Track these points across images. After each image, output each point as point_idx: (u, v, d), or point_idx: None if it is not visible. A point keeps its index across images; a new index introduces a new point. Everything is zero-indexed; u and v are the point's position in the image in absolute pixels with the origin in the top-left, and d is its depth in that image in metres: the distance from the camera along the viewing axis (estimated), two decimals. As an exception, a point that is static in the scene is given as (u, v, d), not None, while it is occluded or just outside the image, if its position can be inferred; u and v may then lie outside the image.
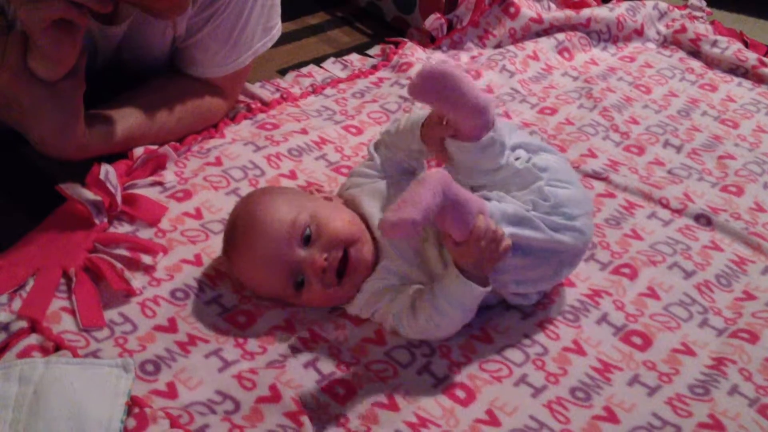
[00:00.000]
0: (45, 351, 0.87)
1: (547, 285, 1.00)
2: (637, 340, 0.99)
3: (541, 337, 0.98)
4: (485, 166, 0.96)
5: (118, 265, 0.98)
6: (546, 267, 0.96)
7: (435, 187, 0.80)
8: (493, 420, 0.88)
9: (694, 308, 1.04)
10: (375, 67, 1.49)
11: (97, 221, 1.03)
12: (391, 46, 1.55)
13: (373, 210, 0.99)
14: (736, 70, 1.60)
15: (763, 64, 1.58)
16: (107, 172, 1.05)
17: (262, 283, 0.96)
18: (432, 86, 0.89)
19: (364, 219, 0.99)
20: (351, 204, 1.01)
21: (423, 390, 0.91)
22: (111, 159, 1.11)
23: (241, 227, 0.95)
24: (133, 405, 0.83)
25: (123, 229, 1.06)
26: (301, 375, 0.89)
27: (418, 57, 1.49)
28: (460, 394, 0.91)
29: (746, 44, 1.65)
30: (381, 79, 1.45)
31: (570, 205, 0.95)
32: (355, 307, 0.97)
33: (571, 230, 0.95)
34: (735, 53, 1.60)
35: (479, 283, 0.89)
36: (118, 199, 1.06)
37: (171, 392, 0.87)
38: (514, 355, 0.95)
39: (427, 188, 0.80)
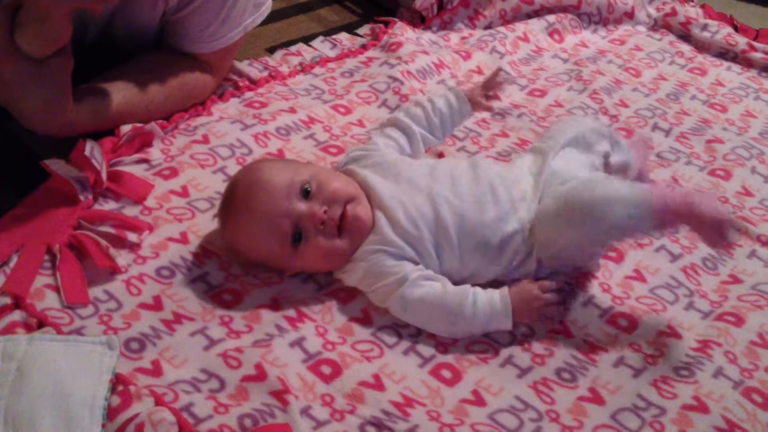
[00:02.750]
0: (28, 328, 0.86)
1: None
2: (623, 322, 0.99)
3: (527, 318, 0.98)
4: None
5: (103, 243, 0.97)
6: None
7: None
8: (478, 400, 0.88)
9: (681, 291, 1.04)
10: (364, 47, 1.48)
11: (81, 198, 1.02)
12: (381, 25, 1.54)
13: (375, 178, 1.00)
14: (726, 54, 1.60)
15: (752, 48, 1.58)
16: (92, 148, 1.04)
17: (259, 240, 0.95)
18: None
19: (364, 187, 0.99)
20: (349, 175, 1.02)
21: (409, 370, 0.91)
22: (97, 136, 1.10)
23: (241, 186, 0.96)
24: (118, 383, 0.82)
25: (108, 206, 1.05)
26: (288, 354, 0.89)
27: (407, 37, 1.48)
28: (446, 374, 0.91)
29: (736, 28, 1.65)
30: (370, 59, 1.44)
31: None
32: (353, 276, 0.97)
33: None
34: (725, 37, 1.60)
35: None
36: (104, 175, 1.05)
37: (156, 370, 0.86)
38: (500, 336, 0.95)
39: None
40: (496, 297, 0.94)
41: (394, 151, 1.07)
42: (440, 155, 1.20)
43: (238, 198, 0.95)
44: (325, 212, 0.93)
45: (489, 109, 1.16)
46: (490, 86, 1.15)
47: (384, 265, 0.94)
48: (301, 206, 0.94)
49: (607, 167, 1.09)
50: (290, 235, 0.93)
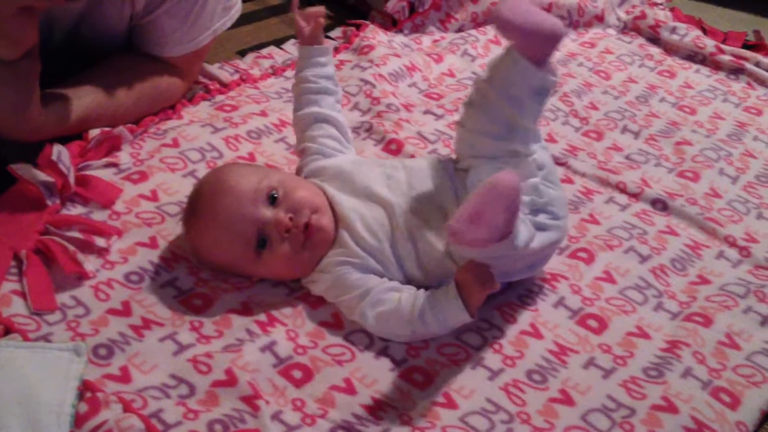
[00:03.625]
0: (-6, 334, 0.85)
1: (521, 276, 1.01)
2: (593, 324, 0.99)
3: (498, 320, 0.98)
4: (515, 113, 0.94)
5: (71, 248, 0.96)
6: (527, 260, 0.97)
7: (511, 204, 0.80)
8: (449, 403, 0.88)
9: (649, 292, 1.05)
10: (336, 50, 1.48)
11: (49, 203, 1.01)
12: (353, 28, 1.54)
13: (333, 191, 0.99)
14: (695, 56, 1.61)
15: (720, 51, 1.60)
16: (60, 152, 1.03)
17: (223, 245, 0.94)
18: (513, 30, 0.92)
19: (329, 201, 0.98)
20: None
21: (381, 373, 0.90)
22: (64, 140, 1.09)
23: (206, 190, 0.95)
24: (85, 389, 0.81)
25: (76, 210, 1.04)
26: (258, 359, 0.88)
27: (379, 40, 1.48)
28: (418, 377, 0.91)
29: (704, 31, 1.67)
30: (342, 62, 1.44)
31: (557, 205, 0.97)
32: (320, 287, 0.96)
33: (556, 229, 0.96)
34: (693, 40, 1.61)
35: (469, 312, 0.90)
36: (71, 180, 1.04)
37: (124, 376, 0.85)
38: (471, 338, 0.95)
39: (502, 205, 0.80)
40: (442, 295, 0.90)
41: (336, 145, 1.05)
42: (412, 157, 1.20)
43: (203, 201, 0.95)
44: (290, 219, 0.93)
45: (319, 26, 1.08)
46: (307, 18, 1.08)
47: (348, 279, 0.94)
48: (267, 213, 0.93)
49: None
50: (254, 241, 0.93)
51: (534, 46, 0.92)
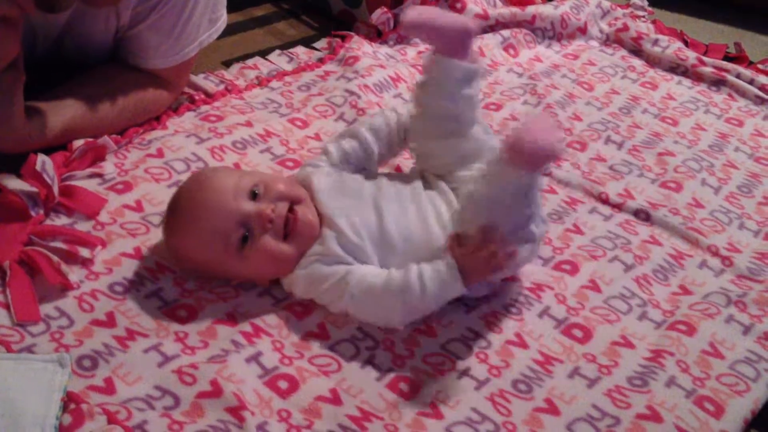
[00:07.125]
0: (-23, 346, 0.85)
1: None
2: (578, 333, 1.00)
3: (484, 330, 0.98)
4: (461, 108, 1.01)
5: (55, 258, 0.95)
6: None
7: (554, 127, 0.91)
8: (436, 413, 0.88)
9: (634, 301, 1.06)
10: (321, 60, 1.49)
11: (33, 213, 1.01)
12: (338, 39, 1.54)
13: (320, 187, 0.99)
14: (676, 68, 1.63)
15: (702, 62, 1.61)
16: (44, 162, 1.03)
17: (205, 242, 0.93)
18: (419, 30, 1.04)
19: (313, 196, 0.99)
20: (303, 184, 1.01)
21: (366, 383, 0.91)
22: (49, 150, 1.09)
23: (187, 191, 0.96)
24: (69, 401, 0.81)
25: (60, 221, 1.04)
26: (243, 369, 0.88)
27: (364, 51, 1.48)
28: (404, 387, 0.91)
29: (686, 43, 1.69)
30: (327, 73, 1.45)
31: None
32: (299, 286, 0.96)
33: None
34: (675, 52, 1.63)
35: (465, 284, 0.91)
36: (55, 190, 1.03)
37: (108, 388, 0.85)
38: (457, 348, 0.96)
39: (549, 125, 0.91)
40: (440, 265, 0.90)
41: (342, 163, 1.05)
42: (397, 169, 1.21)
43: (184, 201, 0.95)
44: (272, 211, 0.93)
45: None
46: None
47: (322, 269, 0.94)
48: (249, 206, 0.93)
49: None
50: (236, 236, 0.92)
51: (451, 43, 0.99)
